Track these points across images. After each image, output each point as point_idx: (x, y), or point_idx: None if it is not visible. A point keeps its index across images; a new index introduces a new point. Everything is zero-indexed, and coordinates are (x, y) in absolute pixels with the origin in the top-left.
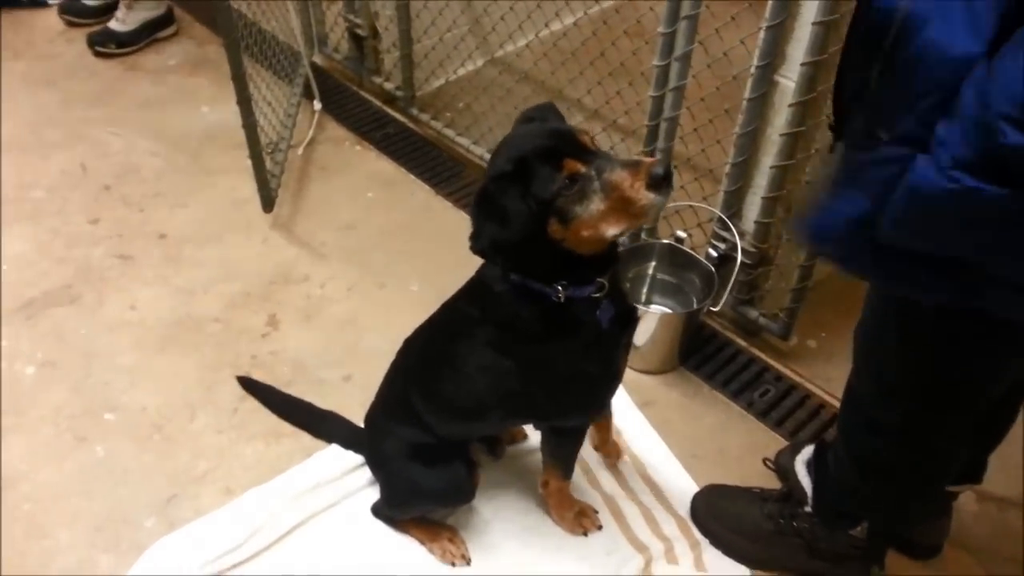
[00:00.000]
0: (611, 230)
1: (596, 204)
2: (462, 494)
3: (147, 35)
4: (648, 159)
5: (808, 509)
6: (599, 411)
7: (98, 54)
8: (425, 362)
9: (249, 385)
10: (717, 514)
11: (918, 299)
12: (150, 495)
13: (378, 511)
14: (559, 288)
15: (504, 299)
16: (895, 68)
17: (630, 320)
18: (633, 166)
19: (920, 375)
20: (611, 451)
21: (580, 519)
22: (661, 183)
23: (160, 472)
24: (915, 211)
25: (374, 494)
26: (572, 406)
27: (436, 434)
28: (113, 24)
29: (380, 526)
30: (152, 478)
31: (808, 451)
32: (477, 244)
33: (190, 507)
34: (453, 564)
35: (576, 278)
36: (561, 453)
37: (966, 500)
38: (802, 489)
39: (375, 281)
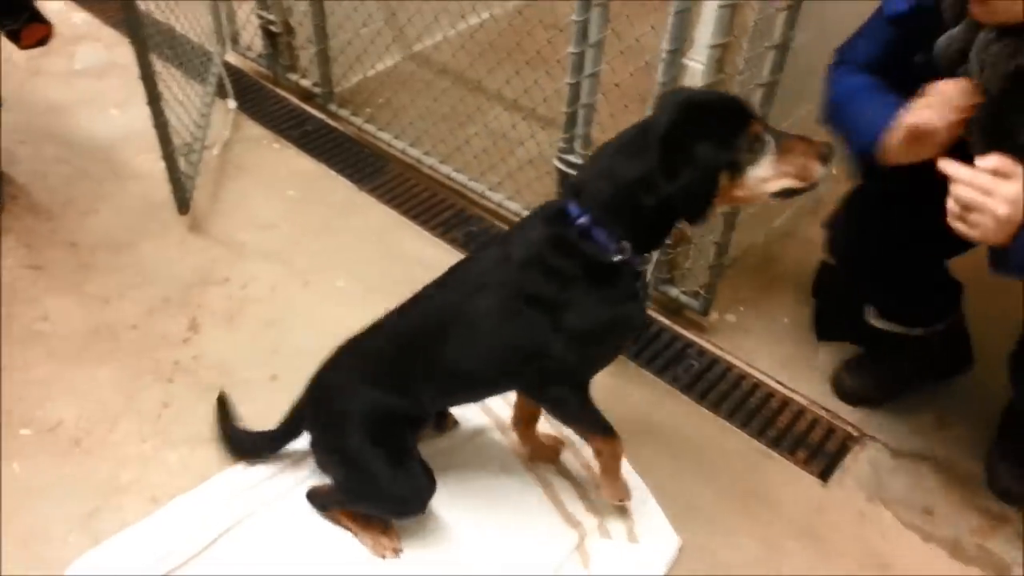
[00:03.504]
0: (772, 188)
1: (767, 166)
2: (419, 503)
3: None
4: (813, 139)
5: None
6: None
7: None
8: (437, 324)
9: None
10: None
11: None
12: (71, 510)
13: (314, 496)
14: (625, 246)
15: (568, 240)
16: None
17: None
18: (804, 139)
19: None
20: (546, 452)
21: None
22: (829, 158)
23: (81, 485)
24: None
25: (302, 493)
26: (597, 358)
27: (420, 403)
28: None
29: (310, 524)
30: (73, 492)
31: None
32: (663, 186)
33: (114, 519)
34: (384, 556)
35: (645, 245)
36: (577, 416)
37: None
38: None
39: (299, 279)
